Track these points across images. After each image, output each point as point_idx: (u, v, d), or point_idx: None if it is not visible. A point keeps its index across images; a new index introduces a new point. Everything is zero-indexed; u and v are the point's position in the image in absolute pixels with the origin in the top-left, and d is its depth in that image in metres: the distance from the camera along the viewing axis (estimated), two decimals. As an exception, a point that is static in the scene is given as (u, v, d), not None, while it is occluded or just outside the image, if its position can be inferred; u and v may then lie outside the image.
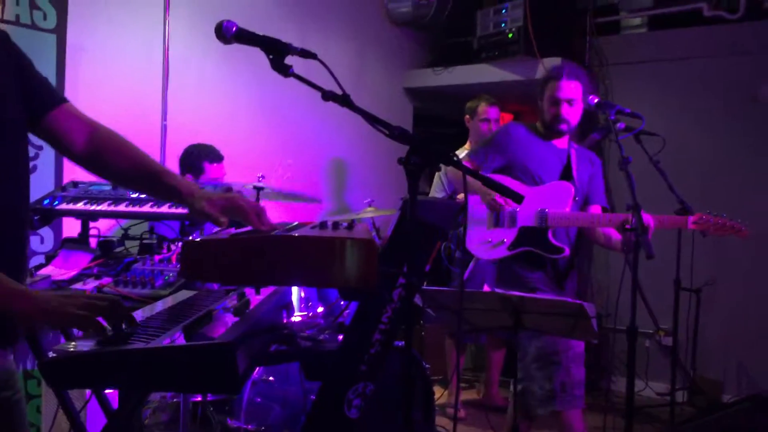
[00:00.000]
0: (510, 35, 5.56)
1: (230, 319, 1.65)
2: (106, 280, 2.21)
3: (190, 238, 1.68)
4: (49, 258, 2.49)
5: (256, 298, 1.85)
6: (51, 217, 2.60)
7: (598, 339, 2.93)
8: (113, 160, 1.75)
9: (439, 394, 4.49)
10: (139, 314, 1.62)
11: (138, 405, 1.53)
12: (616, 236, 3.25)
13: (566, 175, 3.30)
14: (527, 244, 3.23)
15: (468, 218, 3.38)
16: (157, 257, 2.33)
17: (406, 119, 6.29)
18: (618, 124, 3.10)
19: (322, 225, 1.68)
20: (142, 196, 2.57)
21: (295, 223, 1.88)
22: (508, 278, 3.24)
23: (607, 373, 5.15)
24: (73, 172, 3.36)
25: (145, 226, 3.12)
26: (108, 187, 2.68)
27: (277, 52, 1.70)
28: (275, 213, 4.17)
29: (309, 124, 5.27)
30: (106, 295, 1.48)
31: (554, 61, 5.41)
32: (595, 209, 3.37)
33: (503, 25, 5.62)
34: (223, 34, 1.70)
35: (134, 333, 1.44)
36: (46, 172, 3.46)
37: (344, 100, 1.68)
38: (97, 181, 2.68)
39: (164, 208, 2.53)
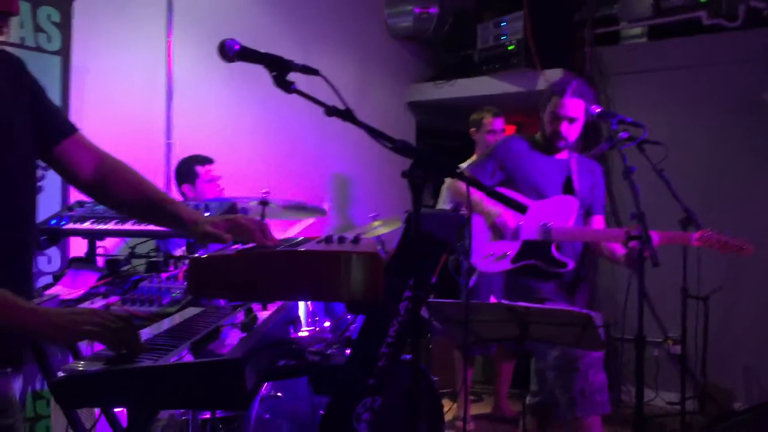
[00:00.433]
0: (510, 47, 5.59)
1: (238, 335, 1.66)
2: (114, 298, 2.21)
3: (197, 255, 1.69)
4: (57, 278, 2.50)
5: (263, 313, 1.86)
6: (58, 236, 2.61)
7: (606, 348, 2.93)
8: (119, 189, 1.78)
9: (448, 407, 4.47)
10: (146, 332, 1.63)
11: (147, 423, 1.53)
12: (620, 251, 3.24)
13: (568, 187, 3.30)
14: (530, 257, 3.23)
15: (472, 232, 3.38)
16: (164, 275, 2.34)
17: (409, 133, 6.32)
18: (621, 134, 3.11)
19: (328, 239, 1.69)
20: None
21: (301, 238, 1.89)
22: (515, 290, 3.24)
23: (617, 383, 5.12)
24: (79, 192, 3.38)
25: (151, 243, 3.13)
26: (114, 206, 2.69)
27: (279, 69, 1.72)
28: (280, 229, 4.18)
29: (313, 139, 5.29)
30: (118, 313, 1.49)
31: (555, 73, 5.43)
32: (598, 220, 3.37)
33: (504, 37, 5.66)
34: (226, 53, 1.72)
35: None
36: (52, 192, 3.48)
37: (347, 115, 1.70)
38: (103, 201, 2.69)
39: (170, 226, 2.54)
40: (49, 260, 3.54)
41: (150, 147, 4.28)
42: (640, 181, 2.87)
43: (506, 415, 4.90)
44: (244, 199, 3.55)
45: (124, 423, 2.02)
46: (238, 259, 1.53)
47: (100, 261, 2.71)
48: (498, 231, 3.24)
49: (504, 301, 2.82)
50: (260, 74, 1.78)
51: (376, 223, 4.36)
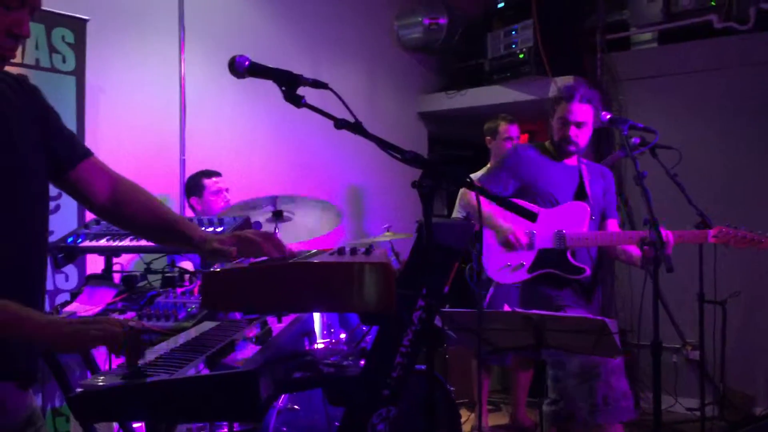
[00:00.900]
0: (521, 56, 5.60)
1: (252, 348, 1.67)
2: (131, 314, 2.24)
3: (211, 269, 1.71)
4: (74, 295, 2.53)
5: (277, 326, 1.87)
6: (75, 254, 2.64)
7: (622, 355, 2.91)
8: (132, 212, 1.81)
9: (466, 417, 4.46)
10: (163, 346, 1.64)
11: (165, 437, 1.55)
12: (636, 252, 3.23)
13: (580, 193, 3.30)
14: (547, 266, 3.23)
15: (485, 243, 3.38)
16: (179, 290, 2.36)
17: (421, 144, 6.33)
18: (633, 139, 3.11)
19: (340, 251, 1.70)
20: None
21: (314, 250, 1.91)
22: (532, 299, 3.23)
23: (635, 390, 5.08)
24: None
25: (166, 259, 3.17)
26: (129, 223, 2.72)
27: (289, 83, 1.74)
28: (295, 241, 4.20)
29: (326, 153, 5.32)
30: (122, 321, 1.51)
31: (566, 80, 5.42)
32: (612, 224, 3.37)
33: (514, 46, 5.67)
34: (236, 69, 1.75)
35: (156, 365, 1.46)
36: (69, 210, 3.52)
37: (356, 128, 1.71)
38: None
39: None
40: (66, 278, 3.58)
41: (164, 163, 4.32)
42: (655, 186, 2.87)
43: (524, 424, 4.87)
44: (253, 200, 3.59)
45: (143, 437, 2.04)
46: (251, 272, 1.54)
47: (116, 277, 2.74)
48: (510, 247, 3.23)
49: (518, 309, 2.81)
50: (272, 88, 1.80)
51: (389, 234, 4.38)
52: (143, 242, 2.61)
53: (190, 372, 1.43)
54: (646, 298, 2.82)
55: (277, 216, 3.62)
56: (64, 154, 1.69)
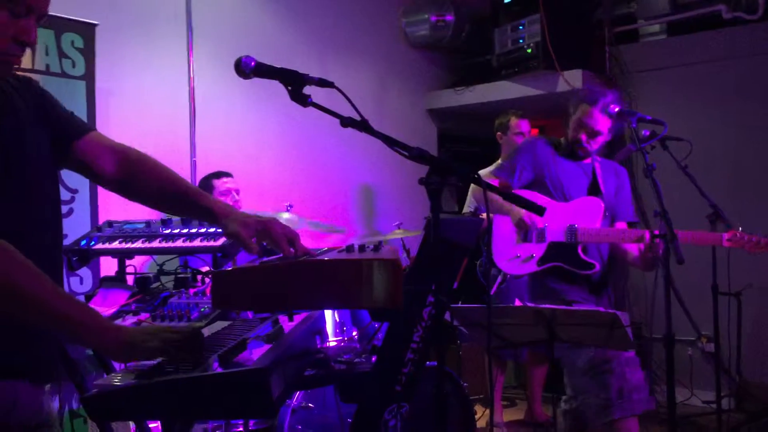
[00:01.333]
0: (529, 51, 5.58)
1: (264, 346, 1.68)
2: (144, 315, 2.26)
3: (221, 269, 1.73)
4: (89, 297, 2.55)
5: (289, 324, 1.89)
6: (88, 257, 2.66)
7: (635, 348, 2.91)
8: (145, 182, 1.77)
9: (480, 413, 4.46)
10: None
11: (180, 436, 1.57)
12: (634, 252, 3.20)
13: (594, 189, 3.29)
14: (557, 259, 3.22)
15: (496, 234, 3.39)
16: (192, 290, 2.38)
17: (431, 140, 6.33)
18: (642, 132, 3.09)
19: (349, 248, 1.71)
20: (175, 231, 2.63)
21: (325, 248, 1.92)
22: (541, 293, 3.23)
23: (650, 383, 5.06)
24: (108, 213, 3.45)
25: (178, 260, 3.18)
26: (141, 225, 2.75)
27: (295, 83, 1.75)
28: (308, 239, 4.21)
29: (336, 151, 5.34)
30: (184, 329, 1.51)
31: (575, 74, 5.41)
32: (621, 226, 3.34)
33: (521, 41, 5.65)
34: (242, 70, 1.76)
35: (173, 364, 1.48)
36: (82, 214, 3.55)
37: (363, 126, 1.72)
38: (130, 220, 2.75)
39: (196, 242, 2.59)
40: (81, 281, 3.61)
41: (175, 165, 4.29)
42: (666, 178, 2.86)
43: (539, 420, 4.87)
44: (267, 214, 3.60)
45: (158, 436, 2.06)
46: (261, 271, 1.56)
47: (130, 279, 2.76)
48: (525, 228, 3.23)
49: (529, 304, 2.81)
50: (281, 89, 1.80)
51: (399, 232, 4.39)
52: (155, 244, 2.63)
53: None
54: (659, 290, 2.82)
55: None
56: (63, 132, 1.67)
